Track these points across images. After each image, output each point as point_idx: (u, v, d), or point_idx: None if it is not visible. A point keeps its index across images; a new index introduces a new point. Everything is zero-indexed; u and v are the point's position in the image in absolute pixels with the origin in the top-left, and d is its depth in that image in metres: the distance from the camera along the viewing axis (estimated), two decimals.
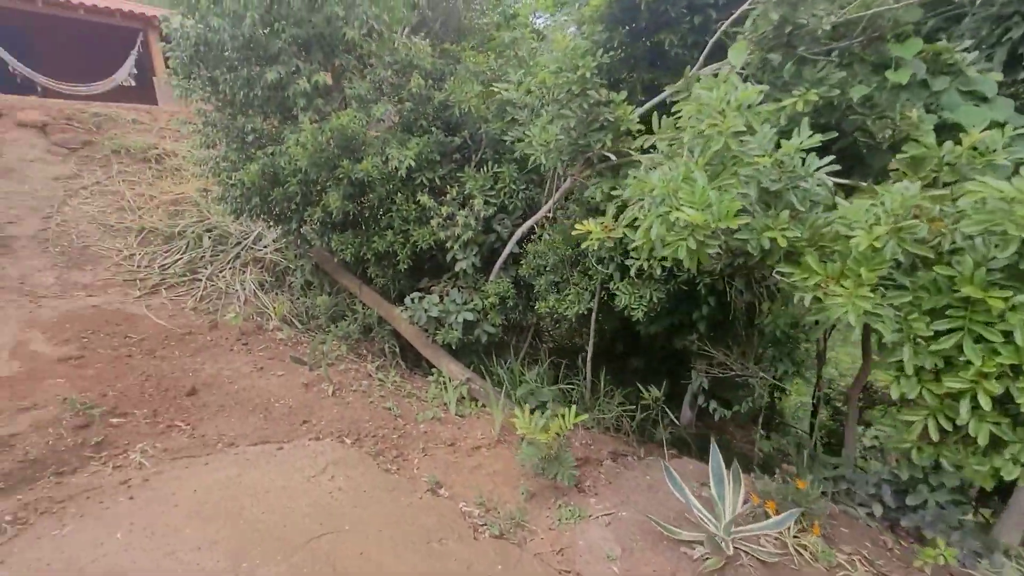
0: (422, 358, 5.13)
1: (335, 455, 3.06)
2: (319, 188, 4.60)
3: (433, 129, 4.69)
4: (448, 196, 4.67)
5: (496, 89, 3.85)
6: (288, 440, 3.19)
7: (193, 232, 6.05)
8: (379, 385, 4.35)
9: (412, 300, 4.73)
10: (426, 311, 4.65)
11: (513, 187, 4.72)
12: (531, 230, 4.64)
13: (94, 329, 4.11)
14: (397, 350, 5.26)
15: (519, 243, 4.75)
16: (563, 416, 2.86)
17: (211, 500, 2.54)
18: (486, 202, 4.63)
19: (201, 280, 5.46)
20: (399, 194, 4.65)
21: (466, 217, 4.56)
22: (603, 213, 3.51)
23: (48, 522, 2.33)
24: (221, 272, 5.70)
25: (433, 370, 4.85)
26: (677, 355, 5.23)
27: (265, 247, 6.26)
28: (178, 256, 5.74)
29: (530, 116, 3.73)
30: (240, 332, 4.65)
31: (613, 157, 3.29)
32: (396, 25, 4.61)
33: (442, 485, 2.94)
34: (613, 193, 3.27)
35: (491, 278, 4.88)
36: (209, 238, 6.07)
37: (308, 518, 2.45)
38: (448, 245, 4.63)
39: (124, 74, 10.21)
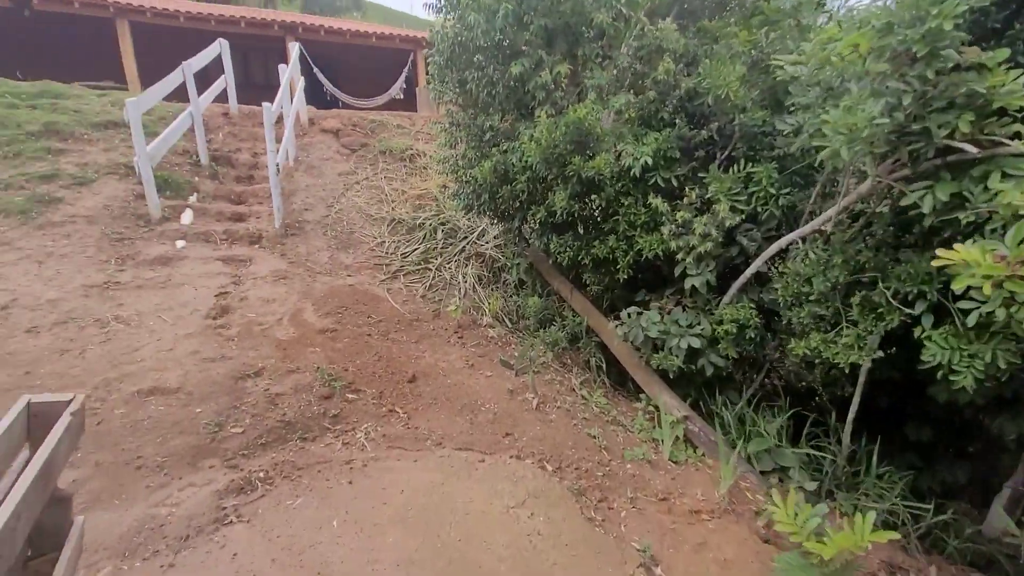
0: (628, 377, 4.59)
1: (535, 484, 2.76)
2: (545, 187, 4.42)
3: (676, 121, 4.06)
4: (685, 200, 3.99)
5: (776, 62, 3.02)
6: (490, 452, 3.02)
7: (430, 225, 6.63)
8: (583, 404, 3.97)
9: (628, 315, 4.21)
10: (643, 329, 4.08)
11: (771, 191, 3.79)
12: (788, 245, 3.66)
13: (347, 306, 4.69)
14: (603, 365, 4.82)
15: (769, 261, 3.81)
16: (855, 527, 1.99)
17: (416, 505, 2.47)
18: (732, 208, 3.82)
19: (431, 270, 5.90)
20: (628, 196, 4.16)
21: (705, 225, 3.83)
22: (936, 232, 2.44)
23: (286, 488, 2.54)
24: (448, 264, 6.09)
25: (641, 396, 4.27)
26: (988, 434, 3.61)
27: (487, 243, 6.50)
28: (416, 246, 6.33)
29: (821, 97, 2.81)
30: (458, 325, 4.80)
31: (971, 148, 2.19)
32: (642, 5, 4.11)
33: (658, 562, 2.38)
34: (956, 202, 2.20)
35: (726, 300, 4.05)
36: (442, 231, 6.56)
37: (504, 564, 2.17)
38: (678, 257, 3.97)
39: (396, 89, 12.10)
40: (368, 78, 13.37)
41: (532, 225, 4.98)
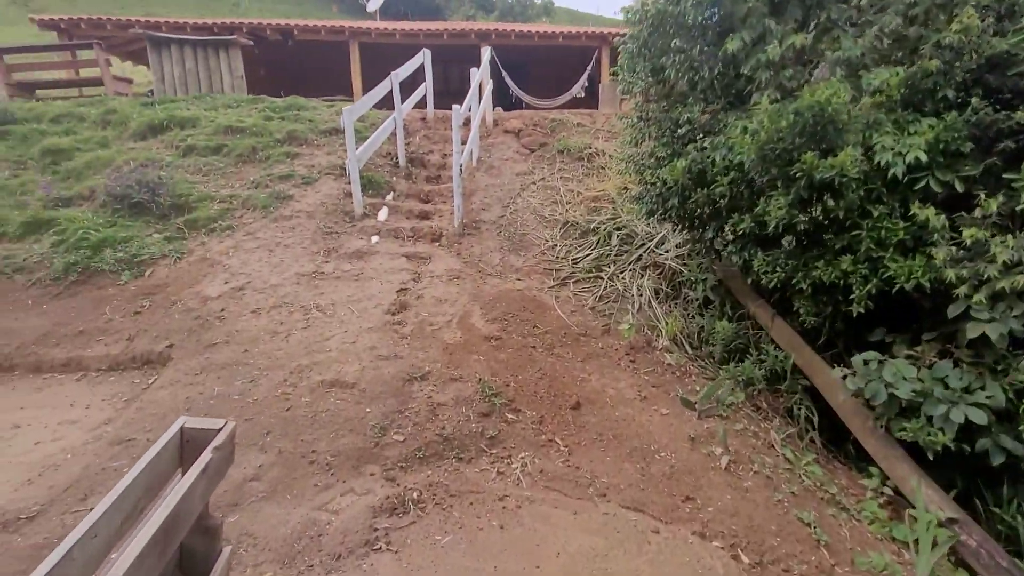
0: (849, 437, 3.52)
1: None
2: (754, 191, 3.59)
3: (971, 101, 2.88)
4: (977, 212, 2.82)
5: None
6: (666, 521, 2.45)
7: (605, 229, 6.16)
8: (787, 470, 3.10)
9: (864, 363, 3.17)
10: (888, 385, 3.02)
11: None
12: None
13: (514, 312, 4.51)
14: (813, 417, 3.80)
15: None
16: None
17: None
18: None
19: (603, 279, 5.44)
20: (879, 204, 3.11)
21: (1013, 250, 2.63)
22: None
23: (436, 518, 2.36)
24: (621, 273, 5.55)
25: (872, 470, 3.21)
26: None
27: (667, 252, 5.77)
28: (588, 251, 5.93)
29: None
30: (630, 345, 4.25)
31: None
32: None
33: None
34: None
35: None
36: (617, 237, 6.04)
37: None
38: (960, 292, 2.81)
39: (578, 87, 11.85)
40: (551, 78, 13.40)
41: (729, 236, 4.16)
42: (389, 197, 6.89)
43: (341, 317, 4.26)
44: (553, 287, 5.22)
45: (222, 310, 4.34)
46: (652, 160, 4.56)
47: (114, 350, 4.10)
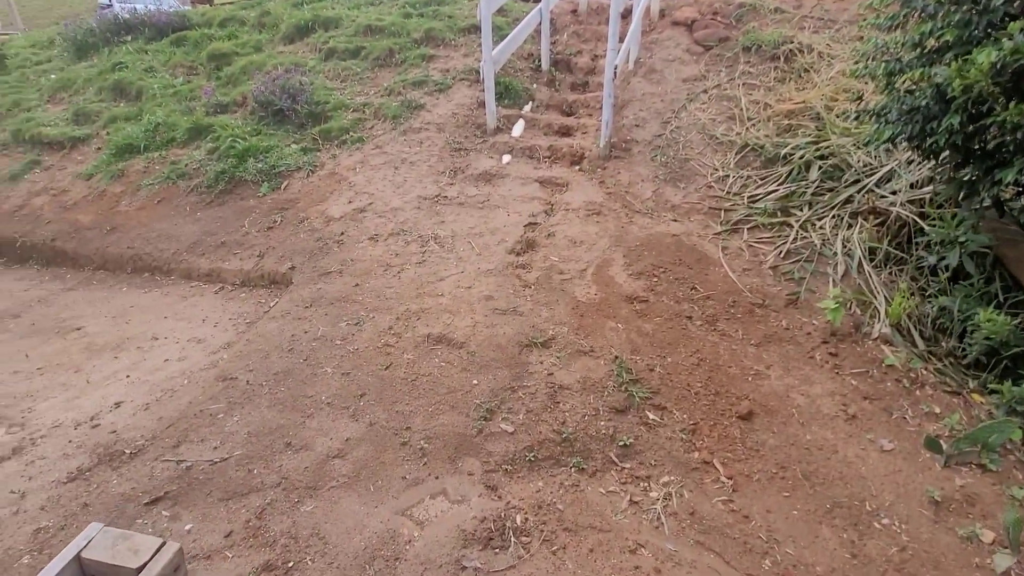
0: None
1: None
2: None
3: None
4: None
5: None
6: None
7: (801, 157, 4.60)
8: None
9: None
10: None
11: None
12: None
13: (666, 267, 3.54)
14: None
15: None
16: None
17: None
18: None
19: (792, 226, 4.08)
20: None
21: None
22: None
23: (543, 565, 1.76)
24: (820, 220, 4.11)
25: None
26: None
27: (894, 194, 4.12)
28: (773, 187, 4.51)
29: None
30: (828, 330, 3.07)
31: None
32: None
33: None
34: None
35: None
36: (819, 168, 4.47)
37: None
38: None
39: None
40: None
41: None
42: (527, 108, 5.97)
43: (459, 253, 3.71)
44: (720, 234, 4.06)
45: (342, 234, 4.06)
46: (916, 53, 2.97)
47: (247, 265, 4.11)
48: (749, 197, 4.48)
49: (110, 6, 14.48)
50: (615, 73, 4.83)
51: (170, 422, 2.39)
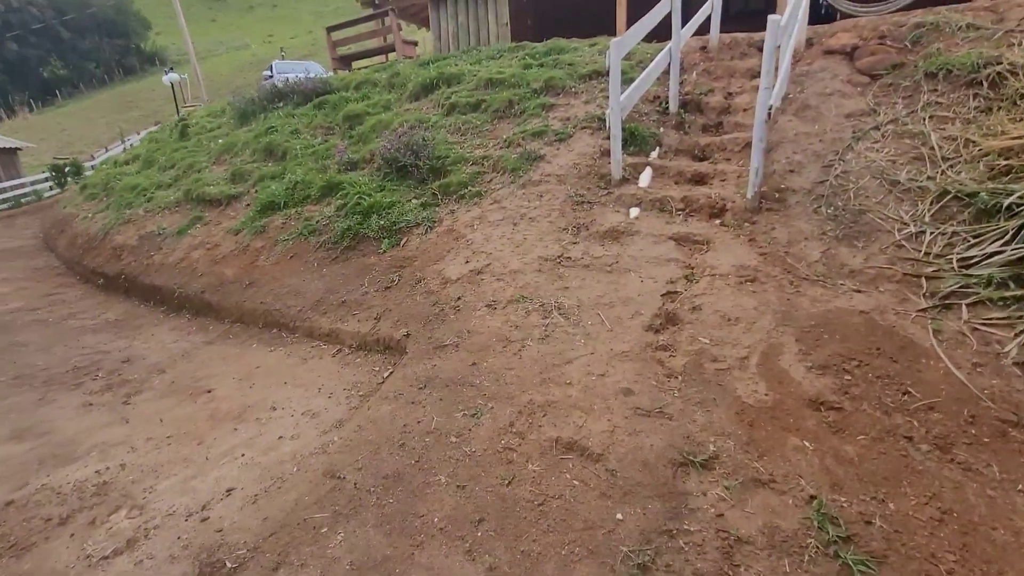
0: None
1: None
2: None
3: None
4: None
5: None
6: None
7: None
8: None
9: None
10: None
11: None
12: None
13: (858, 358, 2.73)
14: None
15: None
16: None
17: None
18: None
19: None
20: None
21: None
22: None
23: None
24: None
25: None
26: None
27: None
28: (995, 247, 3.46)
29: None
30: None
31: None
32: None
33: None
34: None
35: None
36: None
37: None
38: None
39: None
40: None
41: None
42: (654, 154, 5.46)
43: (587, 327, 3.23)
44: (927, 311, 3.13)
45: (458, 298, 3.81)
46: None
47: (364, 328, 4.01)
48: (960, 261, 3.48)
49: (271, 77, 16.87)
50: (769, 114, 4.16)
51: (274, 528, 2.15)
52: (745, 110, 5.70)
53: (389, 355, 3.73)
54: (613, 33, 10.38)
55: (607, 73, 5.02)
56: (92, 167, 18.60)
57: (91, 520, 2.36)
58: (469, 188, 5.36)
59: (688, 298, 3.38)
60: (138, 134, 23.93)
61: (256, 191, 6.97)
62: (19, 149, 21.25)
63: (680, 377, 2.72)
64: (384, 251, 4.90)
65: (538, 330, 3.27)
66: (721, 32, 7.03)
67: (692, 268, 3.74)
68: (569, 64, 7.28)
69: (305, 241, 5.50)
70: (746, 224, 4.17)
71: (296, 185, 6.46)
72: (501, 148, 5.90)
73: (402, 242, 4.96)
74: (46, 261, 9.46)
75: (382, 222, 5.19)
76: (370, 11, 13.41)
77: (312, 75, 10.41)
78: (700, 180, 4.98)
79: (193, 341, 4.69)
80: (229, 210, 6.99)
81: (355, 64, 11.93)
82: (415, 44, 12.02)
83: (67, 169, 18.29)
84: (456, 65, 8.38)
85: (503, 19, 9.66)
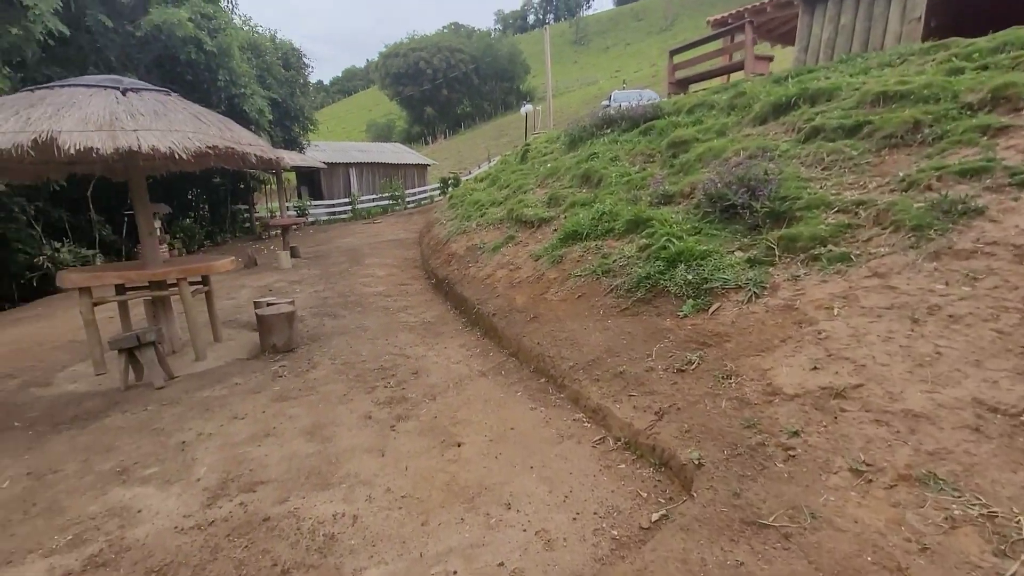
0: None
1: None
2: None
3: None
4: None
5: None
6: None
7: None
8: None
9: None
10: None
11: None
12: None
13: None
14: None
15: None
16: None
17: None
18: None
19: None
20: None
21: None
22: None
23: None
24: None
25: None
26: None
27: None
28: None
29: None
30: None
31: None
32: None
33: None
34: None
35: None
36: None
37: None
38: None
39: None
40: None
41: None
42: None
43: None
44: None
45: (794, 434, 2.38)
46: None
47: (638, 421, 3.01)
48: None
49: (608, 106, 17.70)
50: None
51: None
52: None
53: (665, 480, 2.62)
54: None
55: None
56: (465, 181, 23.51)
57: None
58: (829, 247, 3.69)
59: None
60: (498, 156, 29.30)
61: (565, 217, 6.84)
62: (429, 165, 28.75)
63: None
64: (685, 315, 3.79)
65: (973, 553, 1.60)
66: None
67: None
68: None
69: (597, 281, 4.88)
70: None
71: (602, 216, 5.95)
72: (893, 191, 3.94)
73: (711, 308, 3.73)
74: (413, 254, 11.94)
75: (689, 275, 4.07)
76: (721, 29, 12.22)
77: (645, 101, 10.03)
78: None
79: (471, 367, 4.63)
80: (538, 233, 7.08)
81: (692, 87, 11.00)
82: (769, 60, 10.23)
83: (449, 181, 23.59)
84: (827, 78, 6.43)
85: (914, 11, 7.01)
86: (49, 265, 11.05)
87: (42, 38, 9.71)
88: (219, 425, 3.60)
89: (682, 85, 10.78)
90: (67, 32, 9.93)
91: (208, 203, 17.49)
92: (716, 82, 11.61)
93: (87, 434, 3.56)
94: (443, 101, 56.06)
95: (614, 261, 4.96)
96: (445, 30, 65.59)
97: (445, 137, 54.30)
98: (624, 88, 23.43)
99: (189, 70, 12.82)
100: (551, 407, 3.66)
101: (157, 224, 14.81)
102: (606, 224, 5.78)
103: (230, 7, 15.14)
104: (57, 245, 11.39)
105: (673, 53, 10.77)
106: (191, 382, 4.43)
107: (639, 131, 8.20)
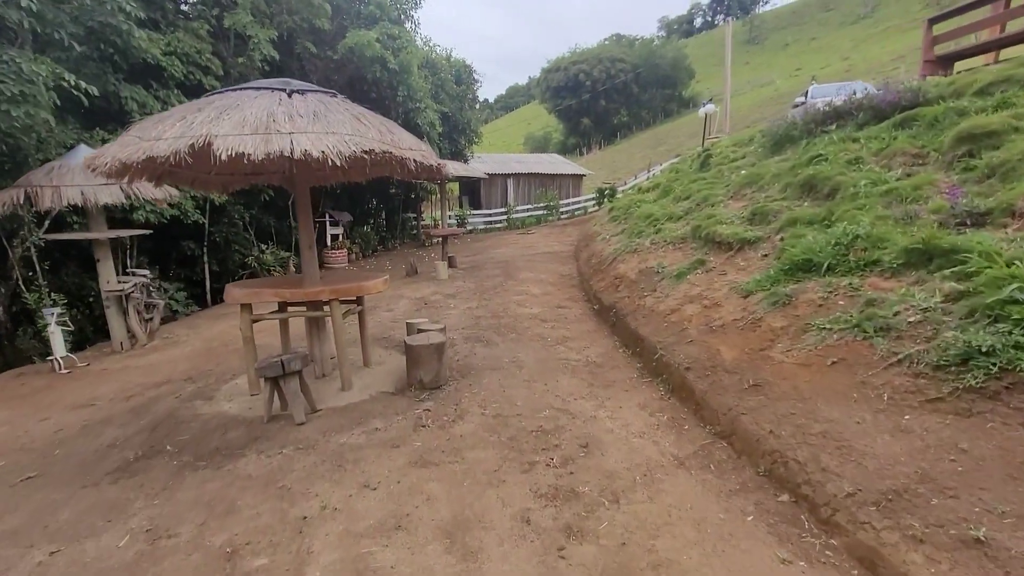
0: None
1: None
2: None
3: None
4: None
5: None
6: None
7: None
8: None
9: None
10: None
11: None
12: None
13: None
14: None
15: None
16: None
17: None
18: None
19: None
20: None
21: None
22: None
23: None
24: None
25: None
26: None
27: None
28: None
29: None
30: None
31: None
32: None
33: None
34: None
35: None
36: None
37: None
38: None
39: None
40: None
41: None
42: None
43: None
44: None
45: None
46: None
47: None
48: None
49: (803, 103, 14.70)
50: None
51: None
52: None
53: None
54: None
55: None
56: (621, 192, 22.03)
57: None
58: None
59: None
60: (659, 165, 27.10)
61: (782, 239, 5.14)
62: (584, 176, 27.88)
63: None
64: None
65: None
66: None
67: None
68: None
69: (863, 343, 3.22)
70: None
71: (854, 240, 4.18)
72: None
73: None
74: (569, 269, 10.96)
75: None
76: None
77: (859, 92, 7.65)
78: None
79: (661, 448, 3.35)
80: (739, 258, 5.48)
81: (959, 65, 8.13)
82: None
83: (606, 192, 22.33)
84: None
85: None
86: (255, 264, 12.64)
87: (260, 65, 11.03)
88: (347, 495, 2.90)
89: (943, 64, 8.01)
90: (277, 58, 11.14)
91: (385, 211, 18.86)
92: (980, 60, 8.51)
93: (217, 479, 3.15)
94: (600, 111, 55.02)
95: (895, 313, 3.25)
96: (607, 41, 64.56)
97: (600, 148, 53.16)
98: (814, 83, 19.59)
99: (374, 88, 13.69)
100: (815, 562, 2.21)
101: (339, 231, 16.28)
102: (863, 253, 4.02)
103: (412, 27, 16.01)
104: (263, 247, 12.98)
105: (933, 21, 8.07)
106: (331, 420, 3.93)
107: (892, 124, 6.03)
